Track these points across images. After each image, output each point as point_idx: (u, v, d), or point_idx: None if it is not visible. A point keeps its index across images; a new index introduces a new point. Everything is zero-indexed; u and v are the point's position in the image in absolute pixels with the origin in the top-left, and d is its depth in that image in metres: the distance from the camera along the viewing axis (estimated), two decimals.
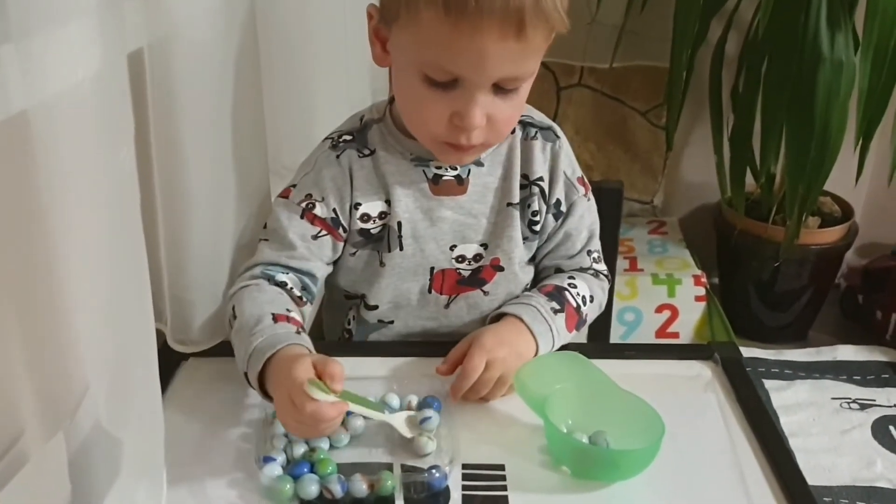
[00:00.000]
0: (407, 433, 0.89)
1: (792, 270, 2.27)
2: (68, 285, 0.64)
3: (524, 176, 1.07)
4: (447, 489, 0.83)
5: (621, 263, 2.18)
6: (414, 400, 0.94)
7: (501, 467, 0.87)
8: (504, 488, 0.84)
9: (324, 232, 1.03)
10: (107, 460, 0.73)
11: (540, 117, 1.09)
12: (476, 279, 1.08)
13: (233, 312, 0.98)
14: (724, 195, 2.25)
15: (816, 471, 1.87)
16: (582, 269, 1.12)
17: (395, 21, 0.91)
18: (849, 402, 2.10)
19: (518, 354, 0.97)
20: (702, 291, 2.12)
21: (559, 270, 1.12)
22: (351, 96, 1.44)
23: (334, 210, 1.03)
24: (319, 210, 1.03)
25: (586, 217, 1.11)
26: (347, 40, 1.41)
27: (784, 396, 2.12)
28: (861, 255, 2.51)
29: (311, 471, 0.83)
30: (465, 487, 0.84)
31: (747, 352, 2.26)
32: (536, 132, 1.07)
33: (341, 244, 1.05)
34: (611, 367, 0.98)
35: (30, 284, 0.65)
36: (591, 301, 1.09)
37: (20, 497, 0.67)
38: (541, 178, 1.07)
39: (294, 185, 1.05)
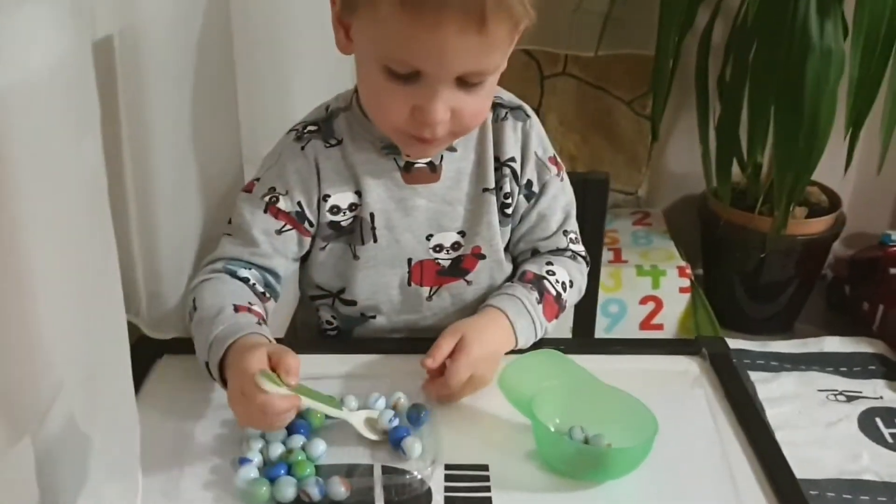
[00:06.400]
0: (367, 434, 0.87)
1: (778, 261, 2.26)
2: (34, 282, 0.61)
3: (496, 158, 1.04)
4: (429, 491, 0.81)
5: (605, 255, 2.16)
6: (402, 399, 0.91)
7: (485, 467, 0.84)
8: (488, 489, 0.82)
9: (288, 226, 1.00)
10: (78, 462, 0.71)
11: (509, 97, 1.06)
12: (458, 269, 1.05)
13: (193, 305, 0.96)
14: (710, 185, 2.23)
15: (803, 464, 1.86)
16: (559, 251, 1.09)
17: (355, 12, 0.88)
18: (835, 394, 2.10)
19: (494, 353, 0.96)
20: (686, 283, 2.11)
21: (535, 252, 1.09)
22: (330, 83, 1.41)
23: (299, 203, 1.00)
24: (283, 204, 1.00)
25: (560, 197, 1.08)
26: (327, 25, 1.38)
27: (770, 388, 2.11)
28: (848, 246, 2.50)
29: (289, 472, 0.81)
30: (447, 489, 0.81)
31: (733, 343, 2.25)
32: (507, 113, 1.04)
33: (308, 239, 1.03)
34: (597, 363, 0.97)
35: None
36: (571, 286, 1.07)
37: None
38: (512, 159, 1.04)
39: (257, 179, 1.02)
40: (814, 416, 2.02)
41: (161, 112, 0.95)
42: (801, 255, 2.27)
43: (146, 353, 1.00)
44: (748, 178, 2.16)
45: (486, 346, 0.94)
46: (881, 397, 2.09)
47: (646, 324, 2.09)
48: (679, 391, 0.99)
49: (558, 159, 1.08)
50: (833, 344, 2.27)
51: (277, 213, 1.00)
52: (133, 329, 1.02)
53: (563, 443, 0.84)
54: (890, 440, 1.95)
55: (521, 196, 1.05)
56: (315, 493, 0.78)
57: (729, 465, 0.86)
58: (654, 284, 2.10)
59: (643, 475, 0.82)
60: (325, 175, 1.00)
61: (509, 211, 1.05)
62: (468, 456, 0.86)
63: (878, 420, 2.01)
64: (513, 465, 0.85)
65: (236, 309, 0.92)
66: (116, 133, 0.93)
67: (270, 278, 1.01)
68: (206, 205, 1.09)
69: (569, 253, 1.10)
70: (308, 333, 1.14)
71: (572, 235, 1.10)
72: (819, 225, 2.25)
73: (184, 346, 0.99)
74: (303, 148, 1.00)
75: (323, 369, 0.98)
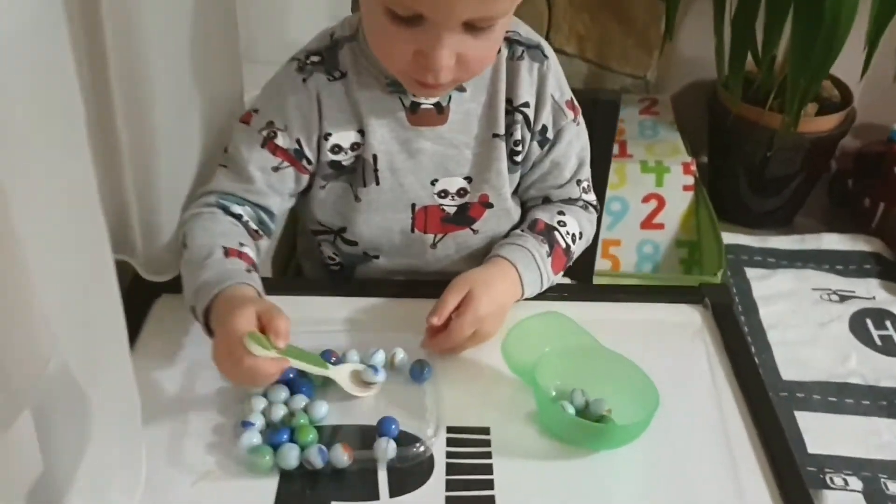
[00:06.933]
0: (351, 390, 0.87)
1: (785, 157, 2.21)
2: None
3: (508, 101, 0.99)
4: (431, 457, 0.82)
5: None
6: (401, 355, 0.91)
7: (486, 431, 0.85)
8: (489, 455, 0.83)
9: (286, 164, 0.97)
10: (78, 424, 0.70)
11: (527, 33, 1.00)
12: (464, 217, 1.03)
13: (184, 241, 0.94)
14: (721, 77, 2.16)
15: (793, 364, 1.89)
16: (571, 200, 1.06)
17: None
18: (829, 294, 2.10)
19: (500, 307, 0.94)
20: (690, 180, 2.06)
21: (546, 200, 1.06)
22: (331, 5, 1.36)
23: (298, 141, 0.96)
24: (281, 140, 0.96)
25: (575, 143, 1.04)
26: None
27: (766, 286, 2.12)
28: (856, 137, 2.43)
29: (291, 438, 0.81)
30: (449, 454, 0.82)
31: (732, 238, 2.24)
32: (523, 51, 0.98)
33: (306, 177, 0.99)
34: (598, 312, 0.97)
35: None
36: (580, 238, 1.04)
37: None
38: (526, 104, 0.99)
39: (256, 110, 0.97)
40: (807, 316, 2.03)
41: (154, 35, 0.89)
42: (809, 152, 2.22)
43: (142, 294, 0.98)
44: (762, 72, 2.08)
45: (494, 301, 0.92)
46: (874, 297, 2.09)
47: (647, 223, 2.06)
48: (680, 343, 0.98)
49: (575, 102, 1.03)
50: (831, 241, 2.26)
51: (275, 150, 0.96)
52: (129, 270, 1.00)
53: (563, 415, 0.84)
54: (878, 342, 1.96)
55: (534, 143, 1.01)
56: (318, 461, 0.78)
57: (724, 422, 0.88)
58: (657, 182, 2.05)
59: (642, 440, 0.83)
60: (326, 112, 0.96)
61: (519, 158, 1.01)
62: (470, 418, 0.86)
63: (868, 321, 2.02)
64: (514, 429, 0.86)
65: (226, 253, 0.90)
66: (103, 56, 0.87)
67: (264, 216, 0.99)
68: (206, 133, 1.03)
69: (581, 203, 1.06)
70: (310, 264, 1.12)
71: (585, 184, 1.07)
72: (829, 122, 2.19)
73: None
74: (304, 80, 0.96)
75: (324, 313, 0.97)
